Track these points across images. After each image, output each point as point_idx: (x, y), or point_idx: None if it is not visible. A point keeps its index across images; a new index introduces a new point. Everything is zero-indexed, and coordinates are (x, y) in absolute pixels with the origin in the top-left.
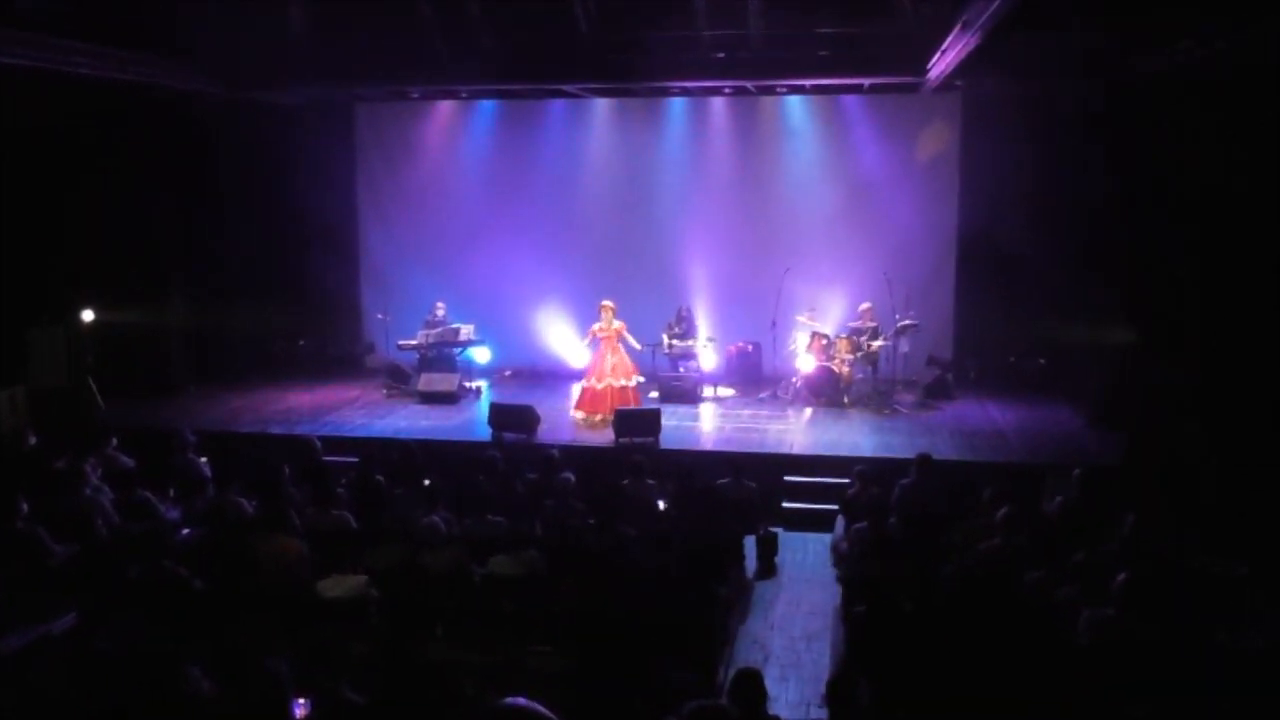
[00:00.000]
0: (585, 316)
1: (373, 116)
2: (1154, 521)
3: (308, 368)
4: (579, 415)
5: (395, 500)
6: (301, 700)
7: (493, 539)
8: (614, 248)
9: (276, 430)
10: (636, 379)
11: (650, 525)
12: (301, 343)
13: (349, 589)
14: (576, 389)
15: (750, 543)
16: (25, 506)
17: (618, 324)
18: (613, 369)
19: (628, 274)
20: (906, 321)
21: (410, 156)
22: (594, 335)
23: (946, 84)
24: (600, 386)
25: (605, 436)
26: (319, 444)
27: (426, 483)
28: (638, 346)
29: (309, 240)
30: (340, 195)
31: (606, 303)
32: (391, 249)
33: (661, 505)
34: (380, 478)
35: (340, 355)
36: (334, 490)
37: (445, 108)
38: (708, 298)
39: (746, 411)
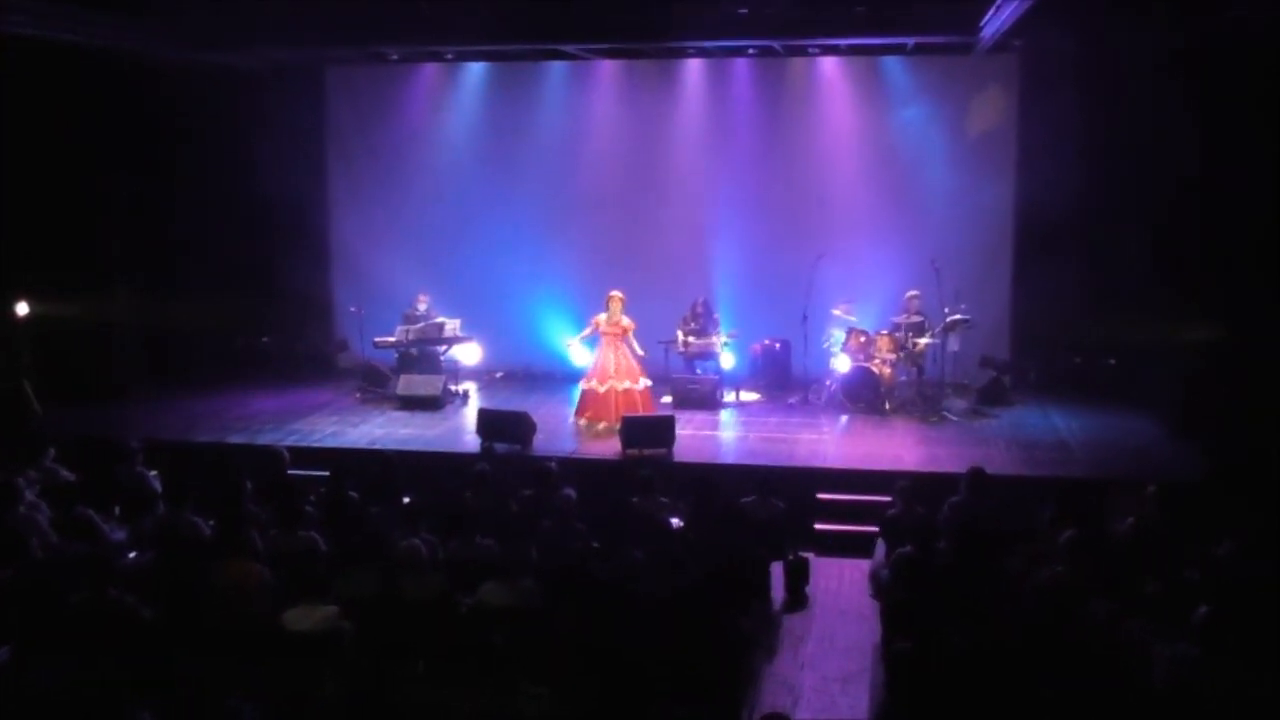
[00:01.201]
0: (588, 310)
1: (346, 82)
2: (1240, 545)
3: (272, 368)
4: (581, 422)
5: (371, 520)
6: None
7: (482, 564)
8: (621, 232)
9: (236, 439)
10: (644, 381)
11: (662, 549)
12: (265, 340)
13: (318, 621)
14: (578, 392)
15: (777, 569)
16: None
17: (626, 321)
18: (616, 369)
19: (637, 262)
20: (956, 316)
21: (388, 128)
22: (595, 328)
23: (1002, 43)
24: (603, 389)
25: (611, 447)
26: (286, 455)
27: (406, 500)
28: (640, 353)
29: (274, 224)
30: (309, 173)
31: (615, 293)
32: (367, 234)
33: (676, 526)
34: (354, 494)
35: (309, 354)
36: (301, 508)
37: (429, 72)
38: (729, 288)
39: (773, 419)
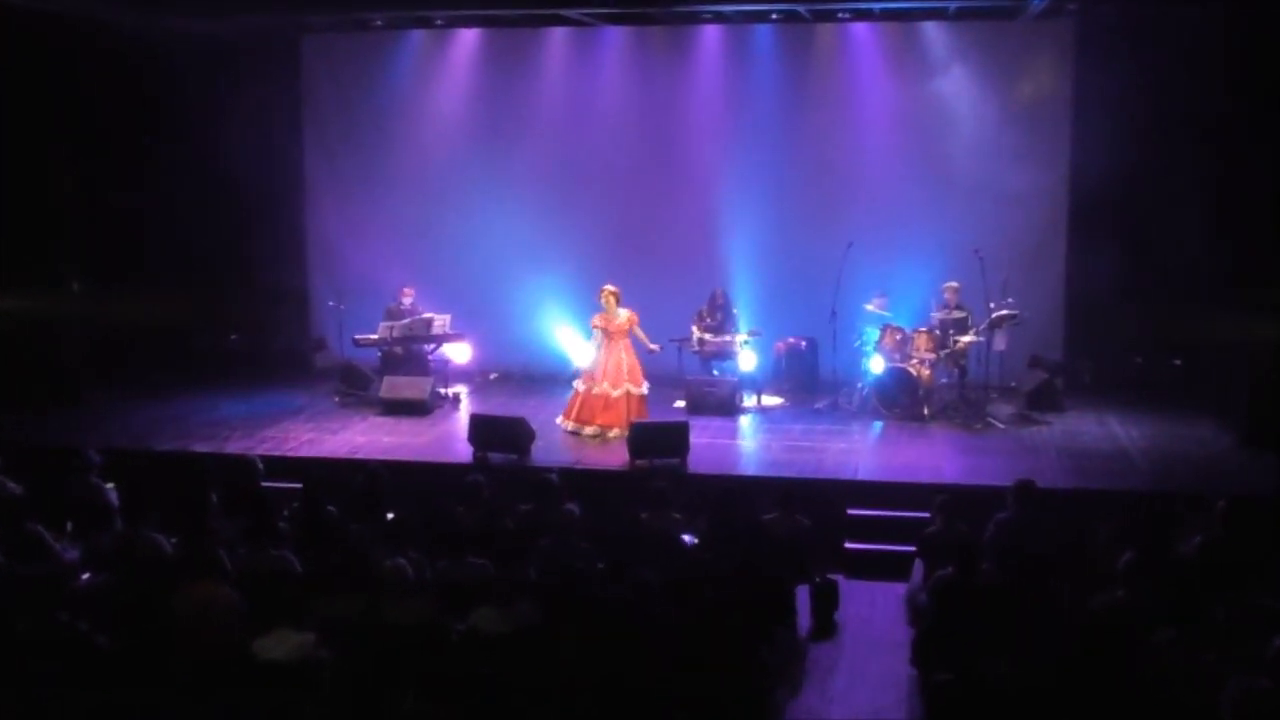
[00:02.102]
0: (590, 303)
1: (324, 52)
2: None
3: (241, 369)
4: (566, 424)
5: (351, 537)
6: None
7: (475, 586)
8: (630, 219)
9: (202, 448)
10: (628, 387)
11: (675, 570)
12: (233, 338)
13: (293, 649)
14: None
15: (803, 593)
16: None
17: (624, 313)
18: (605, 372)
19: (647, 251)
20: (1004, 311)
21: (371, 104)
22: (601, 332)
23: (1054, 6)
24: (596, 391)
25: (618, 457)
26: (259, 465)
27: (391, 515)
28: (652, 347)
29: (244, 210)
30: (282, 153)
31: (607, 287)
32: (347, 220)
33: (690, 544)
34: (332, 508)
35: (282, 353)
36: (274, 524)
37: (415, 40)
38: (749, 281)
39: (798, 426)
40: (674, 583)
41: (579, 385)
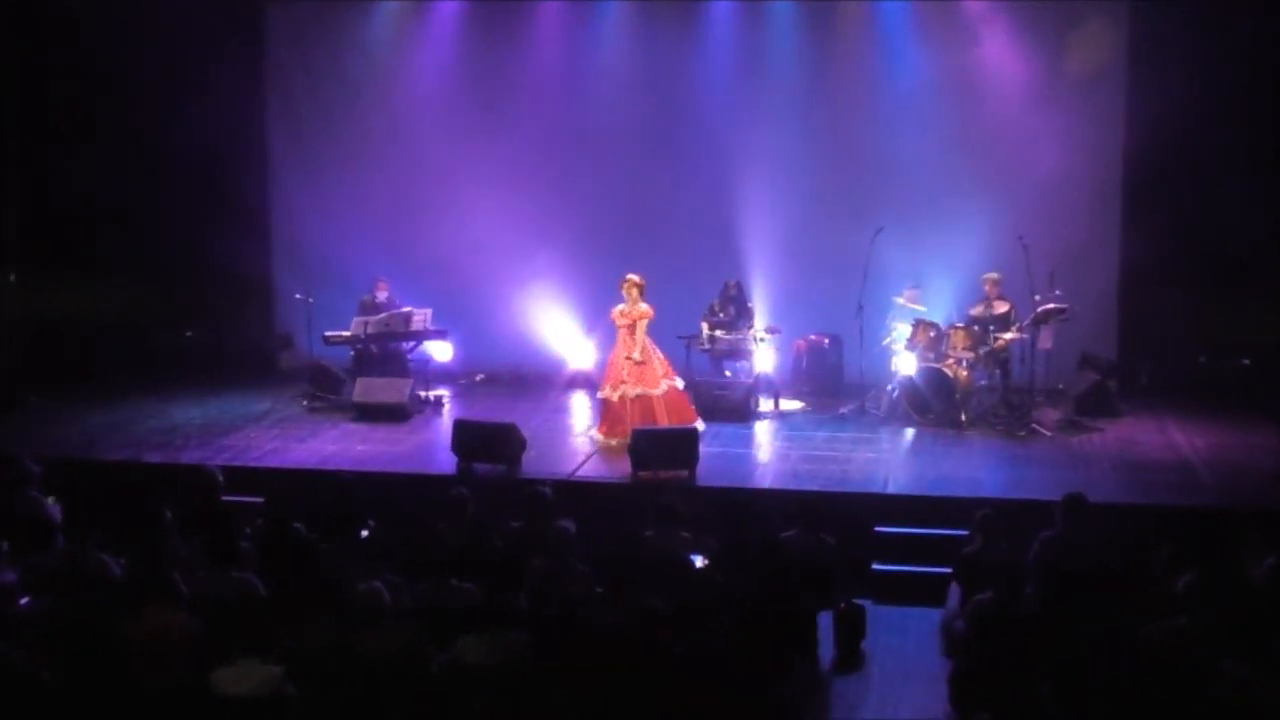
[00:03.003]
0: (588, 297)
1: (291, 22)
2: None
3: (198, 369)
4: (599, 437)
5: (321, 558)
6: None
7: (459, 613)
8: (632, 202)
9: (155, 458)
10: (666, 383)
11: (683, 595)
12: (189, 334)
13: (257, 683)
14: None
15: (826, 621)
16: None
17: (643, 307)
18: (631, 371)
19: (651, 238)
20: (1050, 305)
21: (342, 78)
22: (620, 327)
23: None
24: (615, 397)
25: (618, 468)
26: (219, 476)
27: (365, 533)
28: (629, 357)
29: (201, 192)
30: (245, 130)
31: (631, 277)
32: (317, 205)
33: (700, 566)
34: (300, 526)
35: (244, 352)
36: (236, 543)
37: (390, 10)
38: (766, 271)
39: (821, 433)
40: (682, 609)
41: (604, 393)
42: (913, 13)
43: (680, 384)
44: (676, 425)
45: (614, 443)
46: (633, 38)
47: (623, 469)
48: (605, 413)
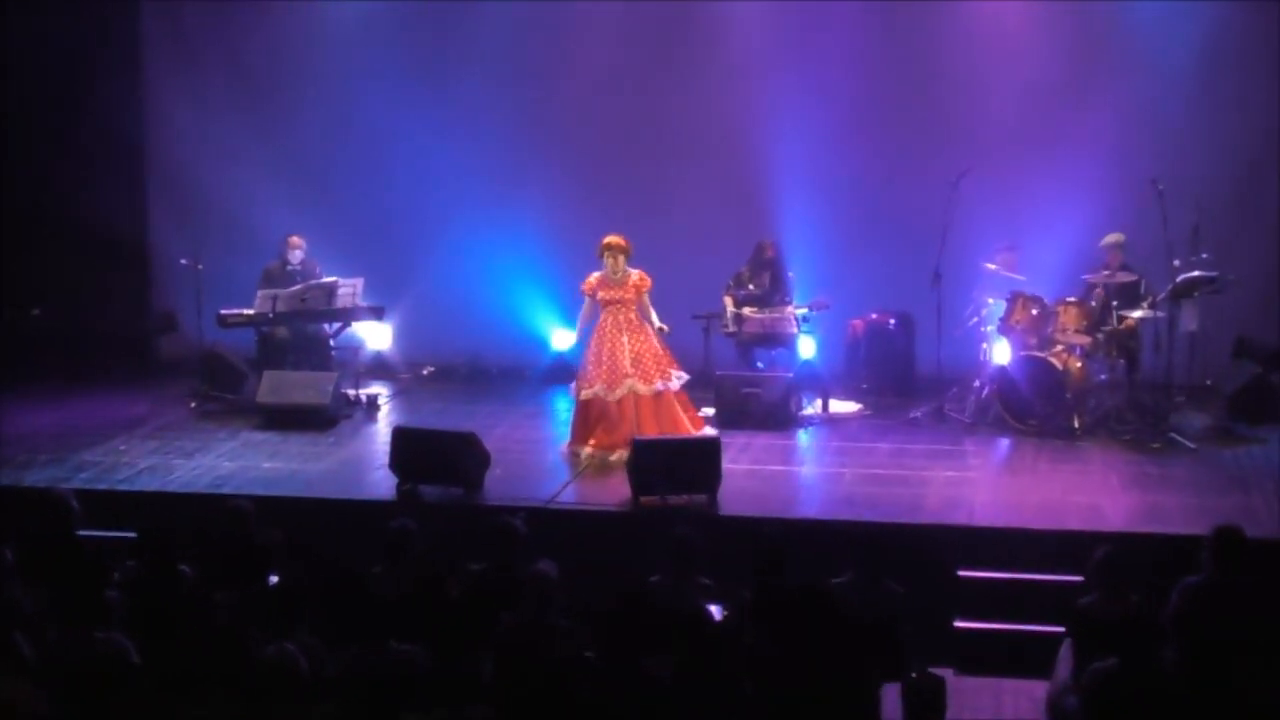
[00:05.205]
0: (570, 265)
1: None
2: None
3: (49, 359)
4: (583, 452)
5: (215, 612)
6: None
7: (401, 684)
8: (635, 146)
9: None
10: (678, 375)
11: (701, 661)
12: (35, 313)
13: None
14: (571, 405)
15: (893, 695)
16: None
17: (636, 276)
18: (635, 361)
19: (660, 190)
20: (1195, 273)
21: None
22: (592, 298)
23: None
24: (613, 397)
25: (615, 491)
26: (73, 504)
27: (274, 579)
28: (661, 326)
29: (47, 121)
30: (107, 33)
31: (612, 239)
32: (207, 143)
33: (720, 619)
34: (186, 569)
35: (111, 336)
36: (99, 593)
37: None
38: (811, 231)
39: (884, 444)
40: (698, 679)
41: (585, 391)
42: None
43: (678, 384)
44: (682, 434)
45: (612, 458)
46: None
47: (620, 493)
48: (594, 416)
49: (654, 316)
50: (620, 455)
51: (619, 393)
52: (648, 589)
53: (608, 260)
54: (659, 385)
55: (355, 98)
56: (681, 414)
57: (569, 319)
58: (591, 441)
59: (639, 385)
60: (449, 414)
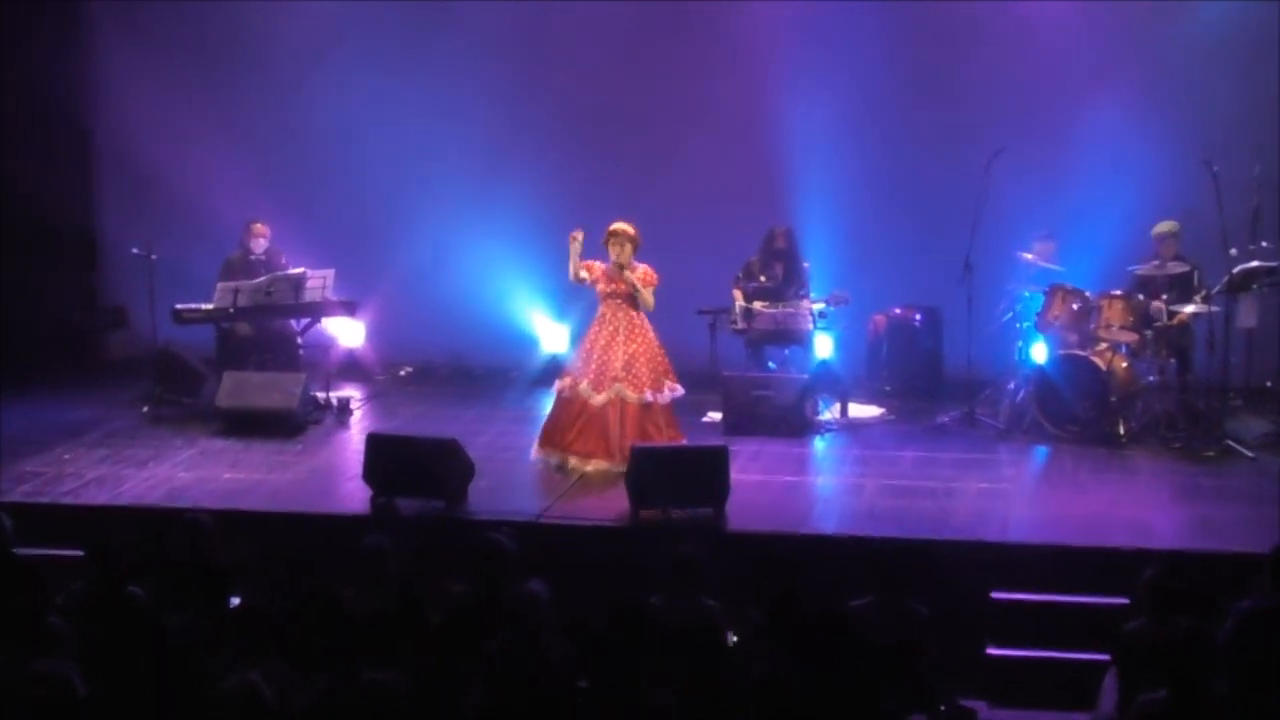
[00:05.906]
0: (566, 259)
1: None
2: None
3: None
4: (549, 458)
5: (170, 638)
6: None
7: (376, 716)
8: (635, 126)
9: None
10: (670, 389)
11: (708, 689)
12: None
13: None
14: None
15: None
16: None
17: (642, 270)
18: (628, 362)
19: (661, 174)
20: (1254, 263)
21: None
22: (584, 279)
23: None
24: (599, 399)
25: (613, 505)
26: (5, 521)
27: (235, 601)
28: (648, 303)
29: None
30: (43, 5)
31: (619, 226)
32: (161, 118)
33: (730, 645)
34: (137, 591)
35: (55, 333)
36: (42, 618)
37: None
38: (828, 219)
39: (909, 453)
40: (704, 708)
41: (564, 387)
42: None
43: (669, 397)
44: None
45: (588, 468)
46: None
47: (618, 506)
48: (570, 418)
49: (647, 296)
50: (597, 465)
51: (604, 397)
52: (647, 611)
53: (612, 249)
54: (648, 396)
55: (325, 73)
56: (658, 434)
57: (560, 315)
58: (571, 448)
59: (627, 392)
60: (429, 419)
